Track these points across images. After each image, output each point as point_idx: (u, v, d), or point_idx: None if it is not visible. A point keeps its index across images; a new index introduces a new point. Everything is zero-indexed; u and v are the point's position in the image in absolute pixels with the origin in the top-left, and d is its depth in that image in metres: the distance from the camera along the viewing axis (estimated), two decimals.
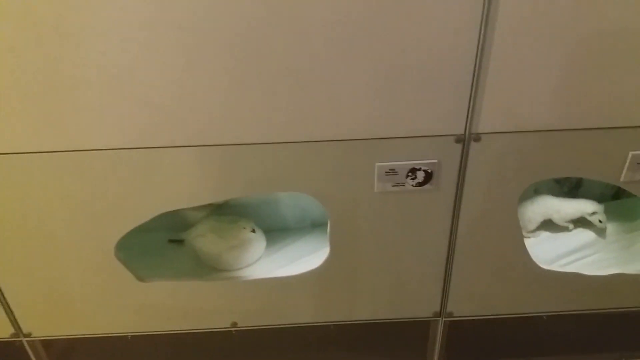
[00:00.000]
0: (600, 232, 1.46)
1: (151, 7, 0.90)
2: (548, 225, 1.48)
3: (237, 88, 0.99)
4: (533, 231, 1.47)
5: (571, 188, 1.57)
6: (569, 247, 1.44)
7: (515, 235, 1.25)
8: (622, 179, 1.16)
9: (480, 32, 0.96)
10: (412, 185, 1.15)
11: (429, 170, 1.13)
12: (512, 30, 0.96)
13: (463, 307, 1.36)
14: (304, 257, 1.42)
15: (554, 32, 0.97)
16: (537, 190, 1.56)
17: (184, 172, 1.09)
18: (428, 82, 1.02)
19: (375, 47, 0.97)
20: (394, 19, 0.94)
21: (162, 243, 1.51)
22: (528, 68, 1.01)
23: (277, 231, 1.55)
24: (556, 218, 1.44)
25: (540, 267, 1.30)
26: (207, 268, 1.40)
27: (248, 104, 1.01)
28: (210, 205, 1.47)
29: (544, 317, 1.40)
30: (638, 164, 1.14)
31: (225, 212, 1.49)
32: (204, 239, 1.38)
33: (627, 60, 1.01)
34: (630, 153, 1.13)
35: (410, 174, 1.13)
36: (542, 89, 1.04)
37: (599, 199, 1.46)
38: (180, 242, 1.47)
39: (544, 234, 1.49)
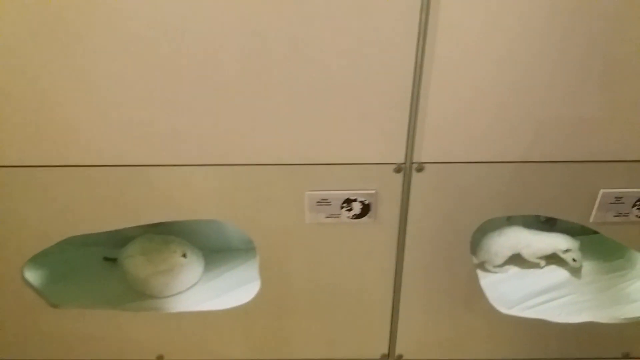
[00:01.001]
0: (575, 271, 1.30)
1: None
2: (518, 260, 1.33)
3: (147, 106, 0.87)
4: (500, 266, 1.32)
5: (549, 218, 1.41)
6: (539, 286, 1.29)
7: (469, 275, 1.11)
8: (591, 220, 1.01)
9: (417, 53, 0.83)
10: (349, 218, 1.01)
11: (366, 202, 0.99)
12: (451, 55, 0.84)
13: (414, 349, 1.22)
14: (247, 284, 1.29)
15: (496, 58, 0.83)
16: (510, 219, 1.40)
17: (89, 194, 0.97)
18: (362, 105, 0.89)
19: (302, 67, 0.85)
20: (326, 42, 0.82)
21: (98, 260, 1.39)
22: (474, 94, 0.87)
23: (222, 252, 1.42)
24: (526, 253, 1.29)
25: (498, 311, 1.15)
26: (136, 292, 1.28)
27: (160, 123, 0.89)
28: None
29: None
30: (610, 203, 0.98)
31: (164, 229, 1.37)
32: (133, 261, 1.26)
33: (584, 87, 0.86)
34: (601, 191, 0.97)
35: (345, 204, 0.99)
36: (489, 117, 0.90)
37: (579, 232, 1.31)
38: (114, 260, 1.35)
39: (513, 270, 1.33)
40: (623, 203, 0.98)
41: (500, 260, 1.30)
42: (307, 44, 0.82)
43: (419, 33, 0.81)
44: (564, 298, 1.26)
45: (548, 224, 1.41)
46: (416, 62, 0.84)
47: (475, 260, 1.33)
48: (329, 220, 1.01)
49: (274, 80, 0.86)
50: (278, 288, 1.11)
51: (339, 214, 1.00)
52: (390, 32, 0.81)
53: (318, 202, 0.99)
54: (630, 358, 1.23)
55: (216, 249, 1.42)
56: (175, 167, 0.94)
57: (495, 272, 1.32)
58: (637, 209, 0.99)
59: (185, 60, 0.83)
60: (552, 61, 0.84)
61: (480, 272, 1.33)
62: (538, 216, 1.41)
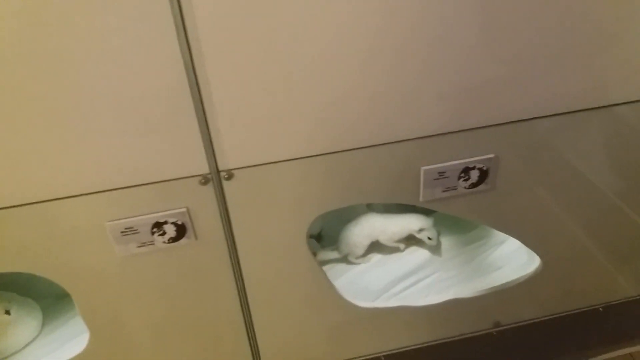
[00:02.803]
0: (434, 249, 1.27)
1: None
2: (380, 247, 1.28)
3: None
4: (362, 256, 1.26)
5: None
6: (403, 270, 1.25)
7: (315, 275, 1.04)
8: (421, 199, 0.97)
9: (182, 51, 0.74)
10: (165, 242, 0.90)
11: (179, 222, 0.89)
12: (224, 49, 0.74)
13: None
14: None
15: (271, 57, 0.76)
16: (369, 205, 1.36)
17: None
18: (143, 119, 0.78)
19: (67, 93, 0.73)
20: (92, 59, 0.71)
21: None
22: (264, 90, 0.79)
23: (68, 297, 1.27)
24: (383, 239, 1.24)
25: (356, 306, 1.10)
26: None
27: None
28: None
29: (382, 358, 1.20)
30: (435, 179, 0.94)
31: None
32: None
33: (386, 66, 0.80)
34: (422, 168, 0.93)
35: (155, 229, 0.89)
36: (289, 112, 0.82)
37: None
38: None
39: (376, 257, 1.28)
40: (448, 177, 0.94)
41: (360, 251, 1.25)
42: (59, 54, 0.70)
43: (177, 28, 0.71)
44: (429, 278, 1.23)
45: (408, 205, 1.37)
46: (185, 59, 0.74)
47: (338, 255, 1.27)
48: (143, 249, 0.90)
49: (43, 103, 0.73)
50: (110, 333, 0.99)
51: (153, 241, 0.90)
52: (148, 33, 0.71)
53: (122, 231, 0.87)
54: (501, 326, 1.22)
55: (62, 294, 1.27)
56: None
57: (359, 263, 1.27)
58: (464, 180, 0.95)
59: None
60: (344, 48, 0.78)
61: (345, 266, 1.28)
62: None
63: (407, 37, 0.79)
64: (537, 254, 1.12)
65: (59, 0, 0.66)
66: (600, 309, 1.26)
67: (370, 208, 1.34)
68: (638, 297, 1.27)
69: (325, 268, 1.27)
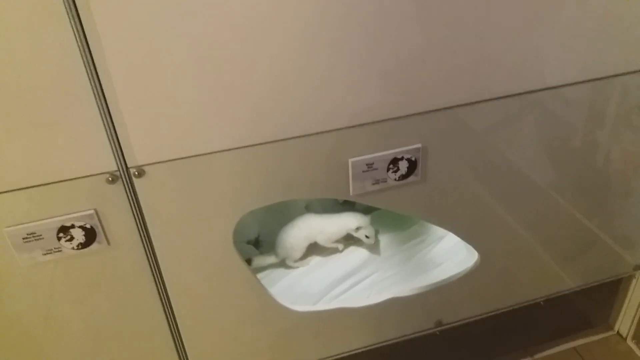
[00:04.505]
0: (373, 248, 1.23)
1: None
2: (317, 249, 1.23)
3: None
4: (300, 259, 1.21)
5: None
6: (341, 271, 1.21)
7: (246, 282, 0.98)
8: (351, 193, 0.93)
9: (77, 39, 0.68)
10: (73, 249, 0.83)
11: (88, 225, 0.82)
12: (125, 43, 0.69)
13: None
14: None
15: (182, 38, 0.71)
16: (307, 207, 1.31)
17: None
18: (34, 111, 0.71)
19: None
20: None
21: None
22: (169, 80, 0.74)
23: None
24: (321, 240, 1.20)
25: (294, 311, 1.04)
26: None
27: None
28: None
29: None
30: (364, 172, 0.90)
31: None
32: None
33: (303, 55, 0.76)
34: (349, 160, 0.89)
35: (61, 234, 0.81)
36: (199, 104, 0.77)
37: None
38: None
39: (314, 260, 1.24)
40: (377, 169, 0.91)
41: (298, 254, 1.20)
42: None
43: (67, 6, 0.65)
44: (369, 278, 1.20)
45: (348, 204, 1.34)
46: (81, 50, 0.68)
47: (275, 260, 1.22)
48: (49, 257, 0.83)
49: None
50: (20, 348, 0.90)
51: (60, 247, 0.82)
52: (30, 15, 0.65)
53: (24, 238, 0.80)
54: (444, 325, 1.19)
55: None
56: None
57: (297, 267, 1.22)
58: (393, 172, 0.92)
59: None
60: (266, 32, 0.74)
61: (283, 271, 1.23)
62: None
63: (331, 21, 0.76)
64: (474, 247, 1.10)
65: None
66: (542, 302, 1.25)
67: (308, 209, 1.30)
68: (578, 289, 1.26)
69: (263, 274, 1.21)
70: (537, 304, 1.24)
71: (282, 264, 1.23)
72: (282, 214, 1.28)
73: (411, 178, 0.94)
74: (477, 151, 0.96)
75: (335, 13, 0.76)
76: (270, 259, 1.22)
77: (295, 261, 1.21)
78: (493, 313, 1.21)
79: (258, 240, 1.32)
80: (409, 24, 0.79)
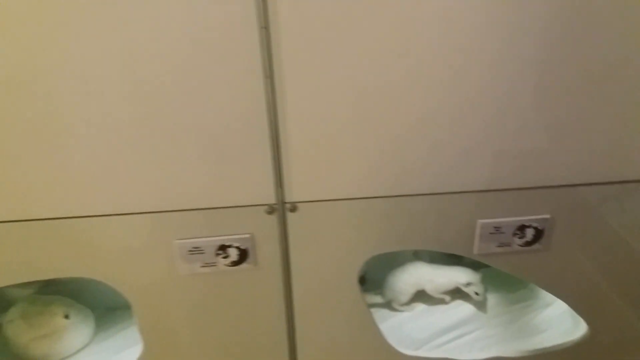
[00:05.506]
0: (480, 305, 1.27)
1: None
2: (424, 296, 1.29)
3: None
4: (406, 304, 1.28)
5: None
6: (446, 322, 1.25)
7: (363, 316, 1.06)
8: (475, 251, 0.99)
9: (266, 91, 0.81)
10: (226, 265, 0.95)
11: (243, 247, 0.94)
12: (304, 92, 0.81)
13: None
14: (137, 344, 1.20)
15: (355, 91, 0.82)
16: (416, 253, 1.38)
17: None
18: (221, 146, 0.85)
19: (151, 112, 0.81)
20: (172, 85, 0.79)
21: None
22: (335, 131, 0.85)
23: (119, 309, 1.33)
24: (429, 289, 1.26)
25: (401, 353, 1.11)
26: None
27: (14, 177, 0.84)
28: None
29: None
30: (490, 233, 0.96)
31: (53, 288, 1.27)
32: (13, 326, 1.16)
33: (457, 119, 0.85)
34: (479, 221, 0.96)
35: (220, 251, 0.94)
36: (355, 154, 0.88)
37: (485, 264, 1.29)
38: None
39: (420, 307, 1.29)
40: (503, 233, 0.97)
41: (405, 298, 1.26)
42: (155, 88, 0.79)
43: (264, 70, 0.79)
44: (472, 334, 1.23)
45: (455, 257, 1.39)
46: (267, 99, 0.81)
47: (381, 300, 1.29)
48: (205, 269, 0.95)
49: (130, 127, 0.81)
50: (162, 348, 1.04)
51: (215, 262, 0.95)
52: (233, 71, 0.79)
53: (190, 250, 0.93)
54: None
55: (113, 306, 1.34)
56: (38, 222, 0.87)
57: (402, 311, 1.28)
58: (518, 237, 0.97)
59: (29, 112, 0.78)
60: (415, 90, 0.84)
61: (387, 312, 1.29)
62: None
63: (472, 95, 0.84)
64: (585, 320, 1.11)
65: (153, 46, 0.75)
66: None
67: (417, 256, 1.36)
68: None
69: None
70: None
71: (387, 305, 1.30)
72: (388, 255, 1.34)
73: (535, 246, 0.98)
74: (602, 228, 0.99)
75: (482, 90, 0.84)
76: (376, 299, 1.30)
77: (401, 305, 1.28)
78: None
79: (364, 278, 1.40)
80: (561, 106, 0.86)
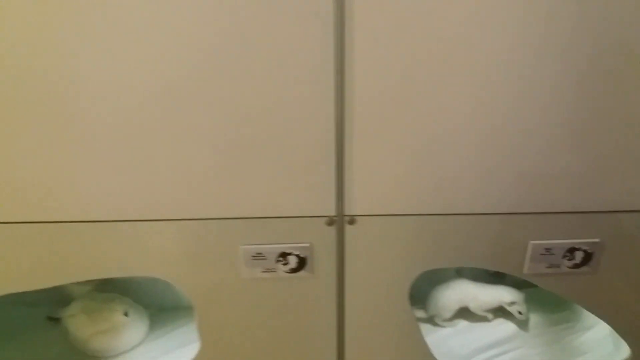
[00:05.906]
0: (522, 324, 1.29)
1: None
2: (467, 313, 1.32)
3: (86, 164, 0.89)
4: (449, 320, 1.31)
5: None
6: (488, 340, 1.28)
7: (411, 329, 1.10)
8: (525, 271, 1.02)
9: (337, 107, 0.87)
10: (285, 272, 1.01)
11: (302, 255, 0.99)
12: (371, 113, 0.87)
13: None
14: (191, 344, 1.26)
15: (417, 107, 0.87)
16: (459, 271, 1.41)
17: (25, 251, 0.96)
18: (288, 159, 0.91)
19: (228, 123, 0.88)
20: (248, 98, 0.85)
21: (41, 320, 1.36)
22: (399, 148, 0.90)
23: (170, 310, 1.39)
24: (473, 306, 1.29)
25: None
26: (79, 353, 1.24)
27: (98, 180, 0.91)
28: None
29: None
30: (541, 254, 1.00)
31: (110, 287, 1.34)
32: (74, 320, 1.23)
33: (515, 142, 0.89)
34: (530, 242, 0.99)
35: (280, 258, 0.99)
36: (416, 170, 0.92)
37: (528, 284, 1.31)
38: (57, 320, 1.32)
39: (462, 324, 1.32)
40: (553, 254, 1.00)
41: (448, 314, 1.29)
42: (230, 100, 0.85)
43: (336, 86, 0.84)
44: (513, 352, 1.25)
45: (497, 276, 1.42)
46: (337, 117, 0.87)
47: (424, 314, 1.33)
48: (266, 275, 1.01)
49: (202, 136, 0.88)
50: (217, 347, 1.09)
51: (275, 268, 1.00)
52: (305, 90, 0.85)
53: (253, 256, 0.99)
54: None
55: (165, 307, 1.40)
56: (109, 224, 0.94)
57: (445, 326, 1.31)
58: (568, 259, 1.00)
59: (100, 118, 0.85)
60: (475, 110, 0.88)
61: (430, 327, 1.33)
62: None
63: (529, 121, 0.88)
64: (628, 343, 1.13)
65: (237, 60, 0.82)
66: None
67: (460, 273, 1.39)
68: None
69: None
70: None
71: (430, 320, 1.33)
72: (432, 272, 1.38)
73: (584, 268, 1.01)
74: None
75: (536, 114, 0.88)
76: (420, 313, 1.33)
77: (444, 320, 1.31)
78: None
79: None
80: (613, 135, 0.90)
